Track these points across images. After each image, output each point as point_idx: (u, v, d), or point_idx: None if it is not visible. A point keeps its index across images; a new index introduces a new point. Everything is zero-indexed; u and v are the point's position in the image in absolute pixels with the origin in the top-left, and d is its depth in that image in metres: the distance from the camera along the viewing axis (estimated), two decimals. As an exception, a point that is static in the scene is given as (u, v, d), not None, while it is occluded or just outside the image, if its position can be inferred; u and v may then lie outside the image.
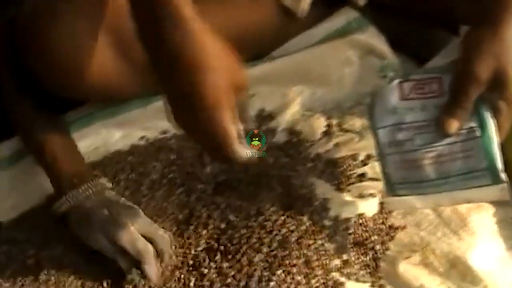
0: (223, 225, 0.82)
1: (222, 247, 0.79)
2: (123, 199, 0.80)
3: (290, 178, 0.85)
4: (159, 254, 0.76)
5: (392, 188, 0.77)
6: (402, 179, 0.76)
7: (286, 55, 0.96)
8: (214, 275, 0.77)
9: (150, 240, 0.76)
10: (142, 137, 0.94)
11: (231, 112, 0.65)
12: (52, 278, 0.78)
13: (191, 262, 0.79)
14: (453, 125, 0.72)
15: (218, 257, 0.79)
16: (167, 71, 0.64)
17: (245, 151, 0.67)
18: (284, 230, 0.79)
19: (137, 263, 0.75)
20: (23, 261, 0.80)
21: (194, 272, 0.78)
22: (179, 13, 0.62)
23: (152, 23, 0.62)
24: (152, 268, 0.75)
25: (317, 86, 0.96)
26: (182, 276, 0.78)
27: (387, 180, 0.77)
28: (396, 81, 0.76)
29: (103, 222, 0.76)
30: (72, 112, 0.93)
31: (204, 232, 0.81)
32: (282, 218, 0.81)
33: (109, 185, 0.82)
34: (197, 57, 0.62)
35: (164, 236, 0.77)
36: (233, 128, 0.65)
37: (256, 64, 0.95)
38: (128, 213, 0.77)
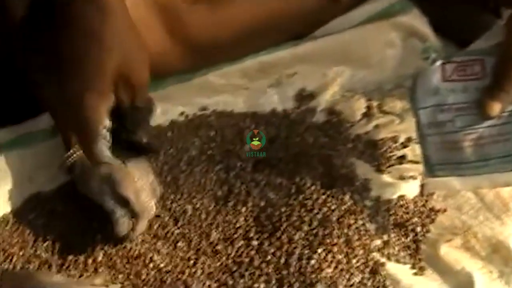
0: (262, 203, 0.81)
1: (261, 225, 0.79)
2: None
3: (331, 157, 0.84)
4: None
5: (431, 169, 0.77)
6: (442, 160, 0.75)
7: (328, 35, 0.94)
8: (253, 252, 0.76)
9: None
10: (182, 113, 0.94)
11: (105, 101, 0.62)
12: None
13: (229, 239, 0.78)
14: (495, 108, 0.71)
15: (257, 234, 0.78)
16: (64, 25, 0.61)
17: (106, 153, 0.67)
18: (325, 209, 0.79)
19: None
20: (61, 232, 0.81)
21: (232, 249, 0.77)
22: None
23: None
24: (143, 228, 0.75)
25: (358, 67, 0.95)
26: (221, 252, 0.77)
27: (426, 161, 0.77)
28: (439, 63, 0.76)
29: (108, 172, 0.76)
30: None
31: (243, 209, 0.81)
32: (323, 197, 0.80)
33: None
34: (102, 26, 0.60)
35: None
36: (100, 119, 0.63)
37: (298, 43, 0.94)
38: (137, 167, 0.77)
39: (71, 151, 0.80)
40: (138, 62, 0.64)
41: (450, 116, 0.74)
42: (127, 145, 0.77)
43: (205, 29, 0.82)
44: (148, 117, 0.77)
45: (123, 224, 0.76)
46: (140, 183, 0.78)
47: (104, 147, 0.66)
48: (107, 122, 0.68)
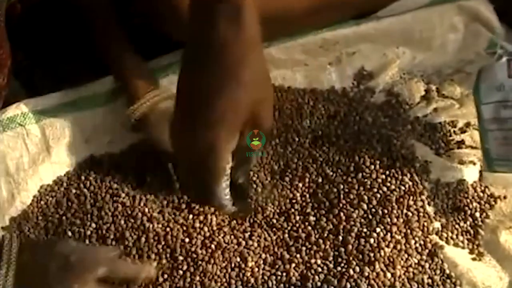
0: (320, 179, 0.81)
1: (318, 201, 0.78)
2: None
3: (390, 137, 0.84)
4: None
5: (491, 163, 0.77)
6: (502, 156, 0.76)
7: (391, 16, 0.93)
8: (310, 228, 0.76)
9: None
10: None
11: (234, 140, 0.59)
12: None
13: (285, 213, 0.78)
14: None
15: (314, 210, 0.77)
16: (200, 56, 0.56)
17: (226, 193, 0.65)
18: (384, 189, 0.78)
19: None
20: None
21: (288, 223, 0.76)
22: (241, 10, 0.55)
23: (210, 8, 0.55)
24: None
25: (419, 49, 0.94)
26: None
27: (486, 155, 0.77)
28: (505, 59, 0.76)
29: None
30: (169, 55, 0.92)
31: (300, 184, 0.80)
32: (383, 176, 0.80)
33: None
34: (242, 59, 0.54)
35: None
36: (227, 158, 0.60)
37: (361, 22, 0.93)
38: None
39: (139, 101, 0.82)
40: (269, 102, 0.60)
41: None
42: None
43: (276, 2, 0.81)
44: (251, 159, 0.76)
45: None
46: None
47: (225, 187, 0.63)
48: (230, 162, 0.64)
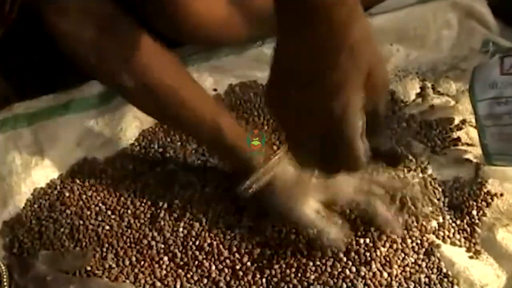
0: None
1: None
2: None
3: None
4: None
5: (489, 158, 0.78)
6: (500, 151, 0.76)
7: (385, 12, 0.93)
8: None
9: None
10: (233, 85, 0.92)
11: (361, 97, 0.54)
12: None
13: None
14: None
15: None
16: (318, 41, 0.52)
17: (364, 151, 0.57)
18: (380, 187, 0.77)
19: None
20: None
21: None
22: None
23: None
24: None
25: (413, 46, 0.94)
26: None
27: (484, 150, 0.78)
28: (497, 56, 0.77)
29: (313, 185, 0.72)
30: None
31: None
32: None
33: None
34: (348, 23, 0.51)
35: None
36: (359, 114, 0.55)
37: (354, 19, 0.92)
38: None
39: (257, 173, 0.73)
40: (381, 60, 0.56)
41: (508, 109, 0.74)
42: None
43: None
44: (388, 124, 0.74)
45: None
46: None
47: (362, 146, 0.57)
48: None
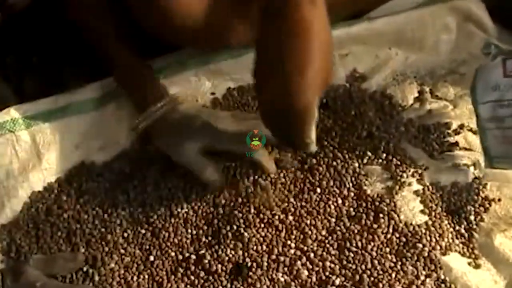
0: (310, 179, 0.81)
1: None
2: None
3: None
4: None
5: (491, 161, 0.77)
6: (501, 153, 0.76)
7: (384, 16, 0.93)
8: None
9: None
10: (231, 89, 0.93)
11: (319, 94, 0.65)
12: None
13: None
14: None
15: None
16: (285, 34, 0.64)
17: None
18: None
19: None
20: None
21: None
22: None
23: None
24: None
25: (411, 50, 0.94)
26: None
27: (486, 153, 0.77)
28: (500, 58, 0.76)
29: (199, 128, 0.79)
30: (161, 58, 0.91)
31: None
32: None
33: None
34: (321, 41, 0.64)
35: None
36: (315, 107, 0.65)
37: (353, 23, 0.93)
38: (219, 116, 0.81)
39: (146, 112, 0.82)
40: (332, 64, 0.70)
41: (510, 112, 0.74)
42: None
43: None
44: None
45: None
46: None
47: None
48: None
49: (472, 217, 0.76)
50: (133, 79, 0.85)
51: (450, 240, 0.75)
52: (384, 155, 0.82)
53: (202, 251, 0.74)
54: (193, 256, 0.74)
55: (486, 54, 0.78)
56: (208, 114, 0.82)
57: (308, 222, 0.76)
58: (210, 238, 0.76)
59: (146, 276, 0.74)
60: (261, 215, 0.76)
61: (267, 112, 0.67)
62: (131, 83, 0.85)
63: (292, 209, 0.77)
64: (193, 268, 0.74)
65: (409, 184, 0.79)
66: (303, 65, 0.63)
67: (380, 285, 0.70)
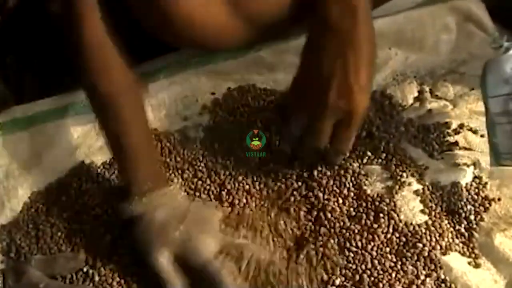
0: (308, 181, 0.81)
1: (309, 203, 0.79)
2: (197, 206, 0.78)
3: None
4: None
5: (498, 157, 0.75)
6: (510, 150, 0.74)
7: (384, 16, 0.92)
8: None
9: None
10: (231, 89, 0.92)
11: None
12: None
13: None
14: None
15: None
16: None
17: None
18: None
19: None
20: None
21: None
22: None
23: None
24: None
25: (411, 50, 0.93)
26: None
27: (494, 149, 0.75)
28: None
29: (174, 238, 0.73)
30: (161, 58, 0.91)
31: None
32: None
33: (182, 193, 0.79)
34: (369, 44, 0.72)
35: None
36: None
37: (353, 23, 0.92)
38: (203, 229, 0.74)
39: (137, 200, 0.75)
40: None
41: None
42: None
43: (268, 5, 0.80)
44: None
45: None
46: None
47: None
48: None
49: (472, 217, 0.76)
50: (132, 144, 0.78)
51: (450, 240, 0.74)
52: (384, 155, 0.81)
53: None
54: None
55: (496, 49, 0.77)
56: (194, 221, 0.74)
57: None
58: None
59: (146, 276, 0.73)
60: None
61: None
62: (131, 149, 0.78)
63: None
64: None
65: (409, 184, 0.78)
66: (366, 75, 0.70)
67: (380, 285, 0.70)
